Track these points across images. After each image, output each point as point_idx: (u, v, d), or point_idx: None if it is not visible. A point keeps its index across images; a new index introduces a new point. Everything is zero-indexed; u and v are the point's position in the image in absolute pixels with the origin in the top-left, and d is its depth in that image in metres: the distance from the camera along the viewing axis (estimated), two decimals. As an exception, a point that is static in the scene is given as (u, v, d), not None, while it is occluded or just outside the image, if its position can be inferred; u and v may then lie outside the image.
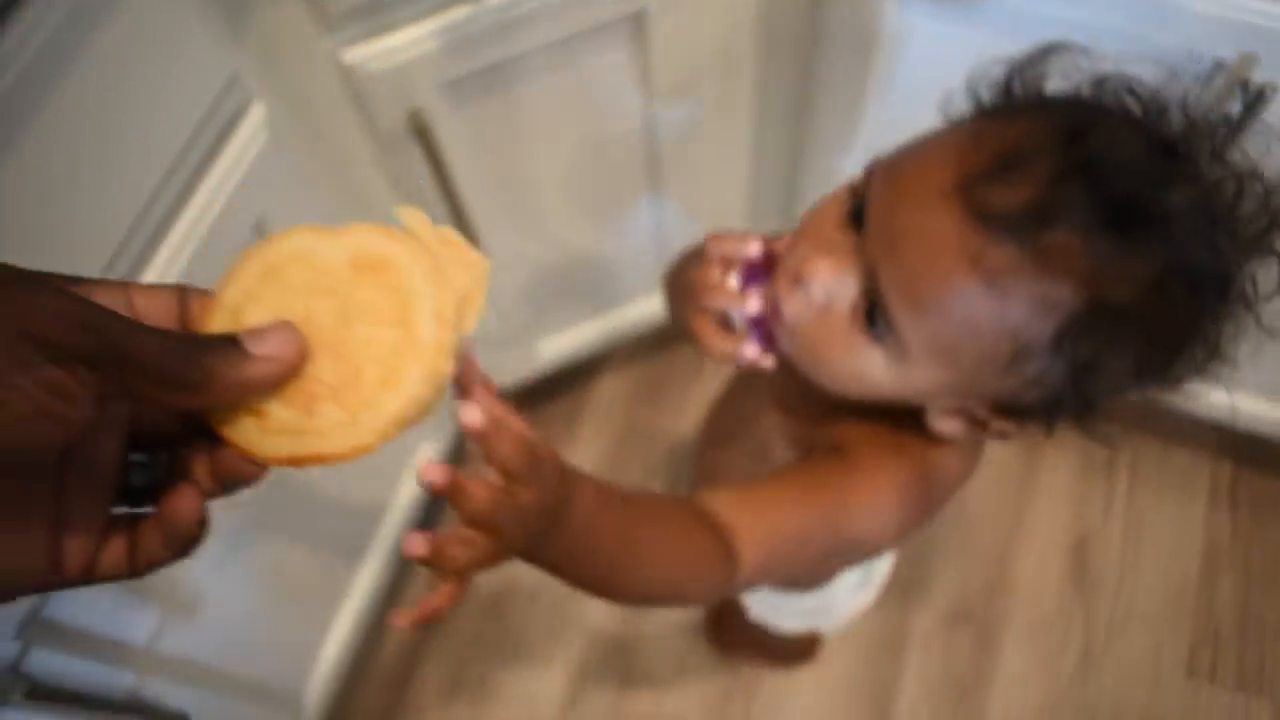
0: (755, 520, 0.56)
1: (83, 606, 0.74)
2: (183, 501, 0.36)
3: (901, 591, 1.42)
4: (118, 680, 0.82)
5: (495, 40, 0.88)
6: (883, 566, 0.98)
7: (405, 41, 0.84)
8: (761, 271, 0.63)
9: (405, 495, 1.29)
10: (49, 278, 0.33)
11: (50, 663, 0.73)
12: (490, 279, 0.44)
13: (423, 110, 0.88)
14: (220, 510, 0.39)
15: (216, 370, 0.33)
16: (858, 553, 0.61)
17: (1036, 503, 1.49)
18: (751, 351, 0.62)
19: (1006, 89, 0.55)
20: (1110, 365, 0.51)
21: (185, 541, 0.37)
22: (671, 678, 1.38)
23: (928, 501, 0.63)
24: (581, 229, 1.18)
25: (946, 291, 0.50)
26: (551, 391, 1.57)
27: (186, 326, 0.36)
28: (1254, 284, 0.52)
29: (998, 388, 0.53)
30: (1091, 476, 1.51)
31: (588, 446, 1.55)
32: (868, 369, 0.56)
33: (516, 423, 0.43)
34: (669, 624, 1.42)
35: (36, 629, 0.70)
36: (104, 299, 0.33)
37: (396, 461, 1.28)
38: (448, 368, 0.38)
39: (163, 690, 0.86)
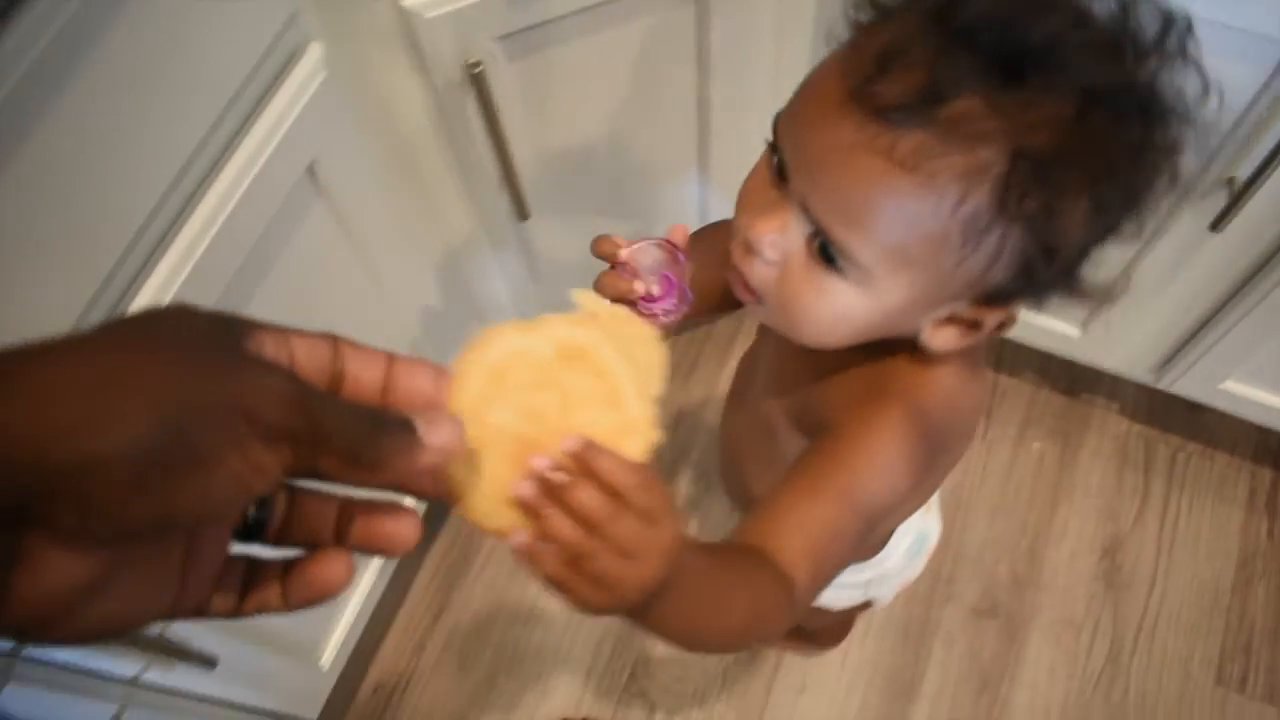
0: (789, 538, 0.56)
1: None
2: (335, 570, 0.36)
3: (929, 583, 1.40)
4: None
5: (558, -7, 0.86)
6: (933, 534, 0.97)
7: (467, -12, 0.83)
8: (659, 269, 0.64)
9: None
10: (245, 330, 0.32)
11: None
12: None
13: (480, 60, 0.86)
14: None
15: (393, 454, 0.33)
16: (889, 516, 0.60)
17: (1071, 500, 1.47)
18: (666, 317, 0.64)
19: (872, 1, 0.56)
20: (1065, 212, 0.51)
21: (315, 604, 0.36)
22: (693, 655, 1.37)
23: (935, 435, 0.62)
24: (626, 196, 1.17)
25: (875, 195, 0.50)
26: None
27: (337, 378, 0.35)
28: (1182, 97, 0.51)
29: (967, 276, 0.53)
30: (1128, 476, 1.49)
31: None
32: (842, 305, 0.56)
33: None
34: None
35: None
36: (270, 346, 0.33)
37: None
38: (657, 436, 0.42)
39: (192, 632, 0.85)
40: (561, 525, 0.40)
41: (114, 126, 0.66)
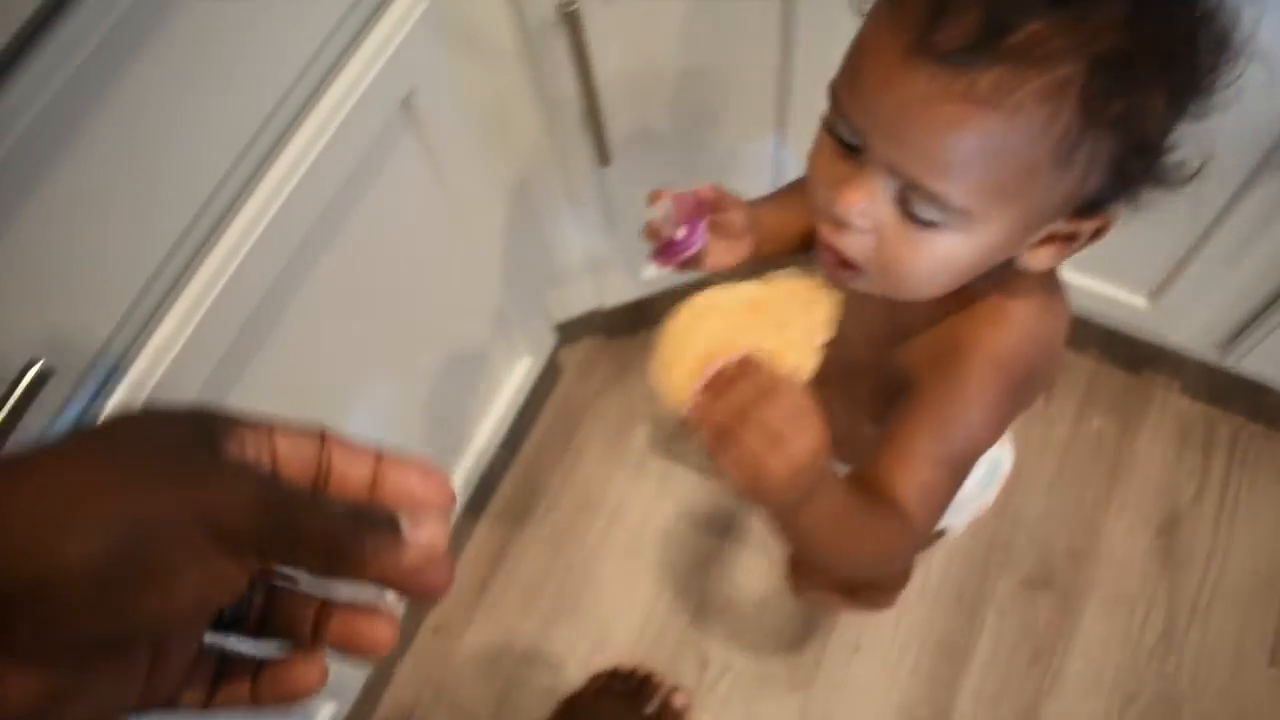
0: (900, 491, 0.61)
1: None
2: (308, 674, 0.35)
3: (984, 552, 1.41)
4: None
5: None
6: (1005, 462, 0.98)
7: (566, -76, 0.84)
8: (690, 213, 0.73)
9: (489, 424, 1.30)
10: (223, 430, 0.32)
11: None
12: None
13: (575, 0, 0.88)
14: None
15: (376, 553, 0.32)
16: (981, 453, 0.65)
17: (1129, 477, 1.47)
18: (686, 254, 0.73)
19: None
20: (1146, 108, 0.52)
21: (285, 705, 0.35)
22: (749, 610, 1.39)
23: (1018, 375, 0.64)
24: (704, 149, 1.18)
25: (965, 139, 0.51)
26: (654, 316, 1.57)
27: (325, 473, 0.35)
28: None
29: (1064, 193, 0.55)
30: (1187, 456, 1.48)
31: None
32: (944, 254, 0.57)
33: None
34: (750, 560, 1.42)
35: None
36: (250, 445, 0.32)
37: (491, 380, 1.30)
38: (813, 362, 0.55)
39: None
40: (719, 405, 0.51)
41: (208, 67, 0.68)
